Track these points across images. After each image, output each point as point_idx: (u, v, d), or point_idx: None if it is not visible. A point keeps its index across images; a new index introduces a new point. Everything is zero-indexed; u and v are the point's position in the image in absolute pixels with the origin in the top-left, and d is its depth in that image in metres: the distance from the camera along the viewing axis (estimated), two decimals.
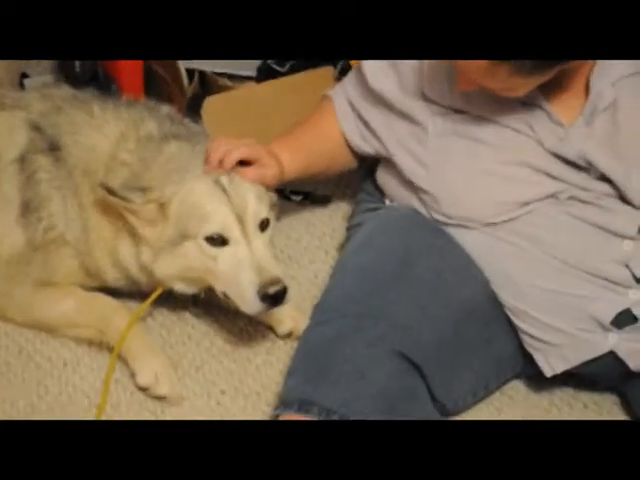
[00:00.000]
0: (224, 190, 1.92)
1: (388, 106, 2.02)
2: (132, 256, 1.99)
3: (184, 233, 1.92)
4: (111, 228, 2.00)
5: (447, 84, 1.94)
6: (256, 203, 1.93)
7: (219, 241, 1.91)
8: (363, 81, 2.07)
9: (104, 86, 2.49)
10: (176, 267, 1.95)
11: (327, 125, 2.14)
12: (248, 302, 1.91)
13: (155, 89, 2.60)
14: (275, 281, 1.89)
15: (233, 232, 1.91)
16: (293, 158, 2.06)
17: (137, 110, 2.07)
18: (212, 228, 1.91)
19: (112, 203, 1.93)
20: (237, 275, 1.91)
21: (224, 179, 1.92)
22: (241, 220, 1.91)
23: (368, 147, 2.10)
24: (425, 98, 1.96)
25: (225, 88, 2.56)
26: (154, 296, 2.01)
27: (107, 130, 2.03)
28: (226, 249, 1.91)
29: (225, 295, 1.96)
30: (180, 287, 2.01)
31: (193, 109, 2.43)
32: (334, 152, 2.15)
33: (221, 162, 1.92)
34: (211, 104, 2.42)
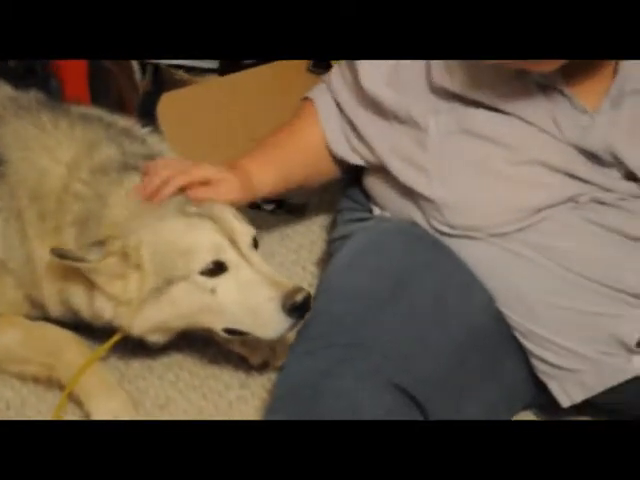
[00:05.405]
0: (200, 215, 1.81)
1: (382, 110, 1.93)
2: (85, 302, 1.87)
3: (170, 277, 1.81)
4: (60, 266, 1.87)
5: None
6: (238, 221, 1.84)
7: (215, 270, 1.80)
8: (355, 80, 1.96)
9: (42, 82, 2.34)
10: (161, 317, 1.84)
11: (308, 132, 2.03)
12: (272, 322, 1.80)
13: (102, 84, 2.49)
14: (297, 289, 1.79)
15: (230, 254, 1.80)
16: (266, 170, 1.97)
17: (92, 129, 1.95)
18: (206, 258, 1.79)
19: (67, 265, 1.83)
20: (250, 297, 1.80)
21: (189, 206, 1.83)
22: (233, 240, 1.80)
23: (356, 157, 2.00)
24: (431, 89, 1.87)
25: (183, 83, 2.48)
26: (113, 340, 1.91)
27: (59, 153, 1.91)
28: (225, 277, 1.80)
29: (229, 331, 1.85)
30: (155, 338, 1.90)
31: (147, 107, 2.35)
32: (316, 163, 2.05)
33: (157, 190, 1.83)
34: (168, 101, 2.34)
